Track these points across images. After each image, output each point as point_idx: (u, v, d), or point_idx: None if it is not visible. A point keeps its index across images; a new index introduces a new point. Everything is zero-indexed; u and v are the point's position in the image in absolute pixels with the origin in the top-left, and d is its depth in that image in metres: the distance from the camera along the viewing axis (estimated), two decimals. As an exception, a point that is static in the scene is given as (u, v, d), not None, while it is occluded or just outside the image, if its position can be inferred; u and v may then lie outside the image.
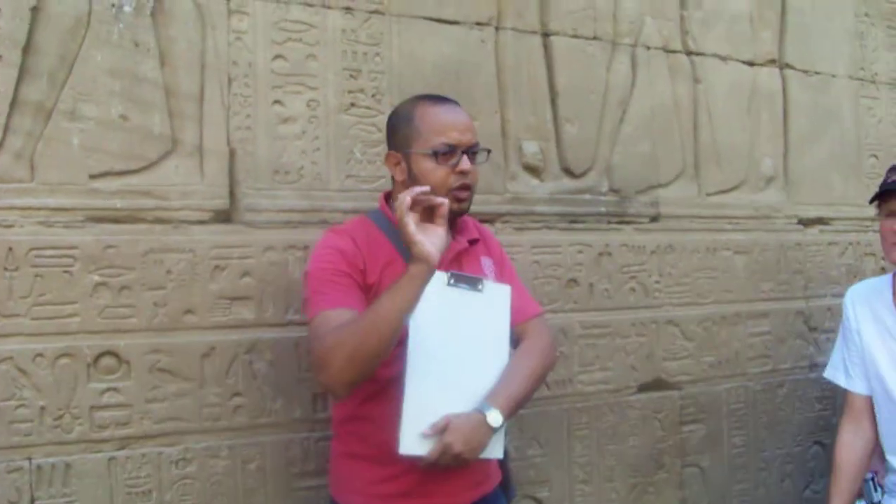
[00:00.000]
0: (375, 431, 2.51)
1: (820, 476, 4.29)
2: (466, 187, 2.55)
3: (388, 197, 2.70)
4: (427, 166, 2.52)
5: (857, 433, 3.16)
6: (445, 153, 2.51)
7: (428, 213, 2.30)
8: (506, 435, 2.60)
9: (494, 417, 2.42)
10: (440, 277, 2.43)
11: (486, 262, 2.72)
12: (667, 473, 3.85)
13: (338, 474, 2.66)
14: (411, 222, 2.23)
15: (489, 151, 2.72)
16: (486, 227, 2.98)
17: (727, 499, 4.04)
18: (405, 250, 2.48)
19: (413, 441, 2.38)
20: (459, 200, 2.54)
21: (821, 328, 4.35)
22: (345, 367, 2.28)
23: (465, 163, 2.53)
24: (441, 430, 2.37)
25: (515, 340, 2.65)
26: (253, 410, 2.91)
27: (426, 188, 2.31)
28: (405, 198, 2.25)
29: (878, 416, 3.14)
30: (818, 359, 4.29)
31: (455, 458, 2.37)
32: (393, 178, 2.66)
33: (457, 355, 2.45)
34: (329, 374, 2.32)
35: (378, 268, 2.52)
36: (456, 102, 2.67)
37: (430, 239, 2.24)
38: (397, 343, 2.34)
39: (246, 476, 2.90)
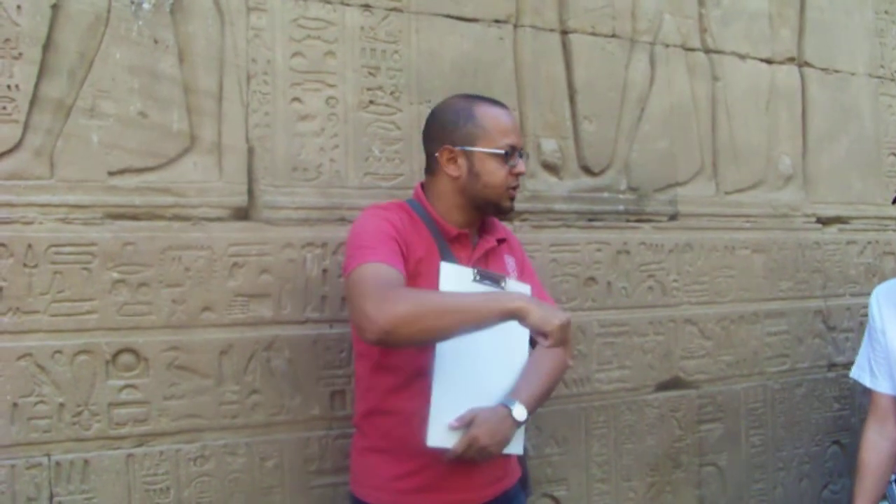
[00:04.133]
0: (398, 425, 2.52)
1: (838, 476, 4.28)
2: (517, 188, 2.64)
3: (423, 187, 2.70)
4: (492, 166, 2.56)
5: (883, 433, 3.14)
6: (508, 155, 2.56)
7: None
8: (525, 432, 2.61)
9: (519, 412, 2.44)
10: (466, 273, 2.47)
11: (510, 261, 2.75)
12: (684, 472, 3.84)
13: (359, 469, 2.66)
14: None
15: (528, 155, 2.74)
16: (506, 225, 2.98)
17: (745, 498, 4.02)
18: (442, 244, 2.55)
19: (440, 433, 2.39)
20: (512, 199, 2.63)
21: (839, 327, 4.33)
22: (395, 320, 2.19)
23: (522, 165, 2.61)
24: (468, 422, 2.38)
25: (532, 339, 2.64)
26: (271, 408, 2.91)
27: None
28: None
29: (903, 416, 3.13)
30: (836, 358, 4.29)
31: (480, 452, 2.37)
32: (431, 171, 2.67)
33: (481, 351, 2.46)
34: (379, 315, 2.20)
35: (416, 255, 2.51)
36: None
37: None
38: None
39: (264, 473, 2.90)
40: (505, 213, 2.68)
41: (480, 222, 2.70)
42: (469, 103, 2.63)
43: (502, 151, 2.55)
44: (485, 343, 2.45)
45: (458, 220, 2.62)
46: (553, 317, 2.21)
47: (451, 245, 2.60)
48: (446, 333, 2.28)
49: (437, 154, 2.61)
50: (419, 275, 2.48)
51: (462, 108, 2.62)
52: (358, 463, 2.68)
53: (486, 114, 2.59)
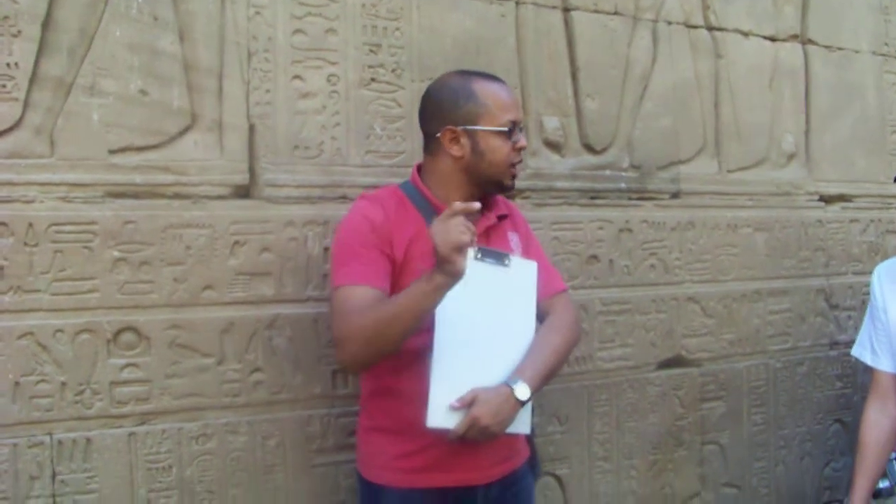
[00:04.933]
0: (401, 405, 2.51)
1: (840, 454, 4.28)
2: (519, 164, 2.63)
3: (420, 169, 2.68)
4: (496, 144, 2.54)
5: (883, 412, 3.14)
6: (511, 131, 2.55)
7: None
8: (533, 411, 2.60)
9: (522, 391, 2.42)
10: (468, 252, 2.41)
11: (514, 238, 2.73)
12: (686, 451, 3.84)
13: (365, 449, 2.67)
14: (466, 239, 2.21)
15: (525, 128, 2.71)
16: (512, 202, 2.96)
17: (746, 476, 4.03)
18: None
19: (441, 414, 2.38)
20: (513, 176, 2.62)
21: (842, 306, 4.32)
22: (360, 351, 2.38)
23: (523, 140, 2.61)
24: (468, 403, 2.37)
25: (540, 316, 2.64)
26: (272, 386, 2.91)
27: (476, 205, 2.28)
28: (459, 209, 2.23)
29: (903, 394, 3.13)
30: (839, 336, 4.28)
31: (482, 432, 2.37)
32: (430, 151, 2.65)
33: (484, 329, 2.45)
34: (345, 353, 2.43)
35: (405, 241, 2.51)
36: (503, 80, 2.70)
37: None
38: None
39: (265, 452, 2.91)
40: (507, 190, 2.67)
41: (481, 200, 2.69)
42: (466, 80, 2.59)
43: (506, 129, 2.54)
44: (487, 322, 2.45)
45: (457, 199, 2.57)
46: (446, 259, 2.20)
47: None
48: (399, 338, 2.33)
49: (438, 135, 2.58)
50: (412, 258, 2.49)
51: (460, 86, 2.59)
52: (363, 443, 2.68)
53: (486, 91, 2.56)
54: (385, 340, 2.33)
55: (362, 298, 2.39)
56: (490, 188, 2.61)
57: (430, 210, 2.57)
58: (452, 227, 2.19)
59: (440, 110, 2.59)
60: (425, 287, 2.25)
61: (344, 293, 2.44)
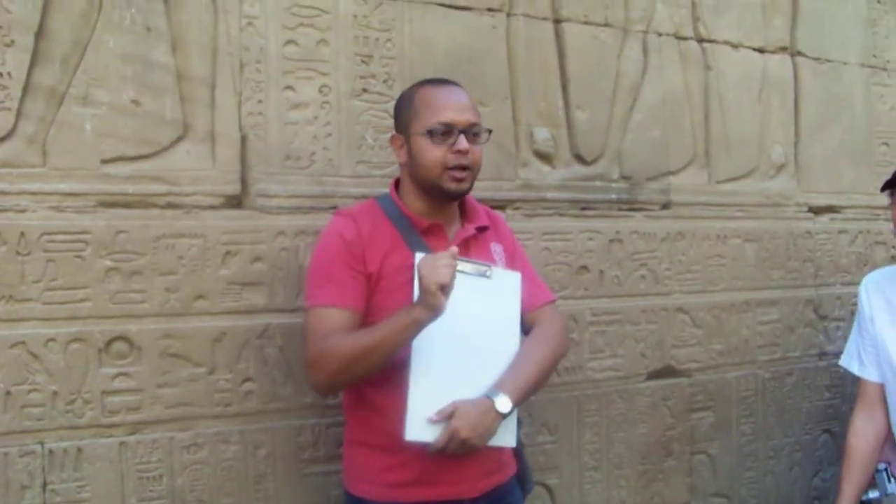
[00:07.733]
0: (381, 419, 2.50)
1: (828, 464, 4.29)
2: (463, 167, 2.52)
3: (398, 183, 2.69)
4: (424, 146, 2.52)
5: (870, 421, 3.16)
6: (442, 133, 2.50)
7: None
8: (520, 425, 2.59)
9: (503, 403, 2.40)
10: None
11: (497, 249, 2.71)
12: (675, 461, 3.85)
13: (348, 463, 2.66)
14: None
15: (490, 132, 2.65)
16: (498, 213, 2.96)
17: (735, 486, 4.04)
18: (413, 237, 2.52)
19: (419, 427, 2.37)
20: (457, 181, 2.53)
21: (830, 316, 4.34)
22: (328, 379, 2.49)
23: (461, 142, 2.50)
24: (448, 416, 2.36)
25: (527, 327, 2.64)
26: (264, 396, 2.92)
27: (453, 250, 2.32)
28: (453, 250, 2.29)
29: (890, 404, 3.14)
30: (827, 347, 4.30)
31: (462, 445, 2.35)
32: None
33: (464, 342, 2.44)
34: (314, 378, 2.51)
35: (379, 256, 2.51)
36: (457, 84, 2.66)
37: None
38: None
39: (256, 461, 2.91)
40: (451, 196, 2.57)
41: (460, 211, 2.69)
42: (413, 88, 2.64)
43: (425, 130, 2.51)
44: (468, 334, 2.44)
45: (422, 208, 2.59)
46: (429, 292, 2.25)
47: (424, 237, 2.57)
48: (373, 369, 2.41)
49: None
50: (387, 273, 2.50)
51: (407, 94, 2.65)
52: (347, 456, 2.68)
53: (422, 95, 2.58)
54: (358, 369, 2.40)
55: (335, 322, 2.44)
56: (436, 194, 2.56)
57: (404, 221, 2.58)
58: (440, 266, 2.24)
59: (395, 120, 2.68)
60: (404, 319, 2.29)
61: (316, 315, 2.48)
